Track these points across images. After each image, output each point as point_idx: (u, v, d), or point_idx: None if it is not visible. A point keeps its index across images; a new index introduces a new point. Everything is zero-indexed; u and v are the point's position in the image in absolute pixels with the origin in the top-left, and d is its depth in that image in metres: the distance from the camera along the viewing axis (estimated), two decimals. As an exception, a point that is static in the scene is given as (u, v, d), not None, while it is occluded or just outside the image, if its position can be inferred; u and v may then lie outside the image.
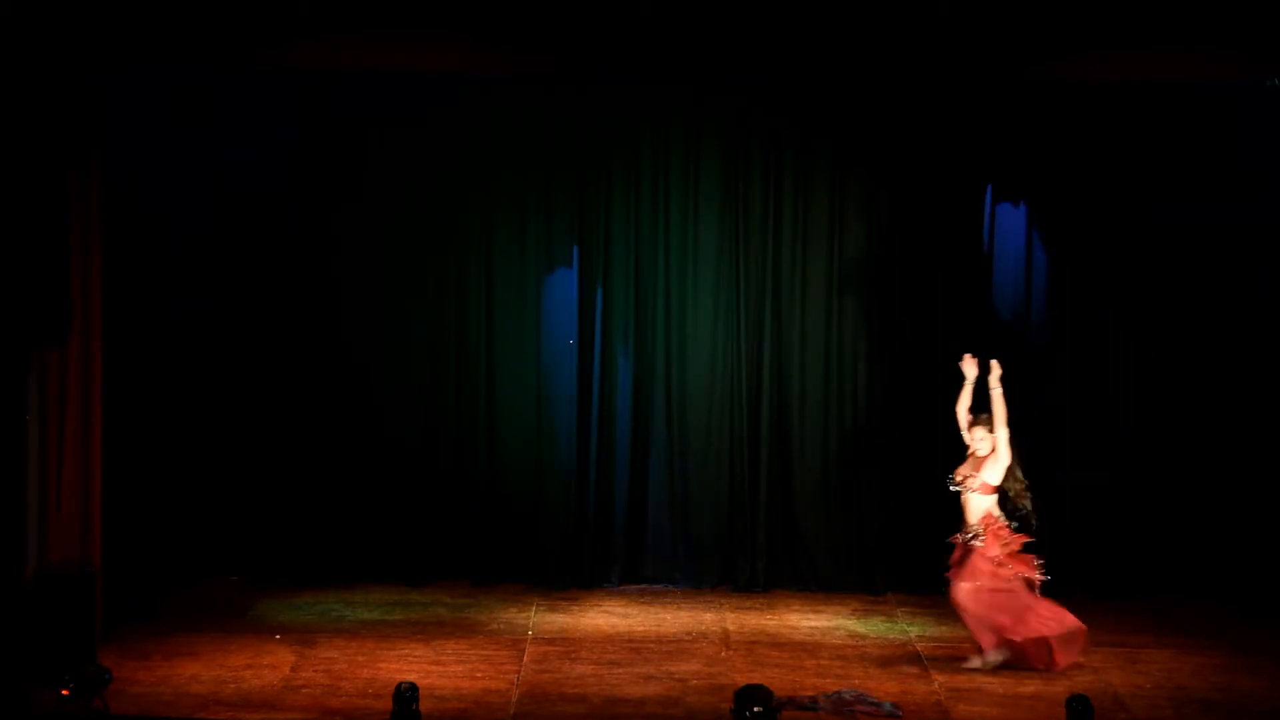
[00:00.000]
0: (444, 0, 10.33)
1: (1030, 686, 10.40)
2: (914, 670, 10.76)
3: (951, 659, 10.94)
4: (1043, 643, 10.57)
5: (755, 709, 7.59)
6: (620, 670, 10.68)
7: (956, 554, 10.74)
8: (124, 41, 10.22)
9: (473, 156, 12.48)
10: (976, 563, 10.58)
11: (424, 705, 8.45)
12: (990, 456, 10.64)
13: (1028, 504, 10.69)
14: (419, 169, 12.48)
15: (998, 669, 10.57)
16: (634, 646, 11.21)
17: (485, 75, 11.89)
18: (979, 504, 10.65)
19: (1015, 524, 10.67)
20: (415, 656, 10.83)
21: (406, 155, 12.45)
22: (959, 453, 12.56)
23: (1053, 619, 10.57)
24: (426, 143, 12.43)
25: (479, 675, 10.49)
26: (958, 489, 10.73)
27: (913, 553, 12.66)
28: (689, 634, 11.52)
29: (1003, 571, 10.56)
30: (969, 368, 10.79)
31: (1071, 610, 11.21)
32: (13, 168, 9.84)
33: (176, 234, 12.17)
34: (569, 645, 11.21)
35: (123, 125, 11.04)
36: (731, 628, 11.64)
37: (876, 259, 12.58)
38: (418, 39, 10.43)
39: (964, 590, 10.58)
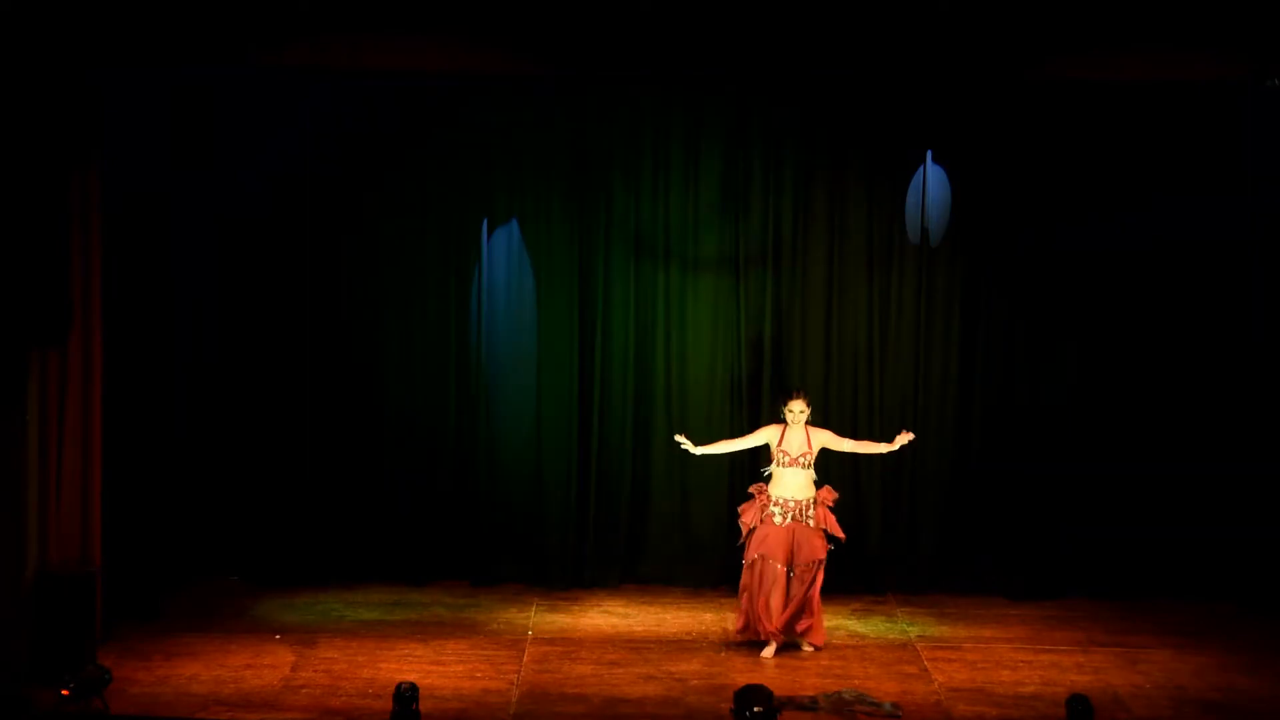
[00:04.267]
0: (444, 0, 10.33)
1: (1030, 687, 10.41)
2: (914, 670, 10.76)
3: (951, 659, 10.96)
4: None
5: (755, 709, 7.57)
6: (620, 670, 10.68)
7: (772, 532, 10.90)
8: (124, 42, 10.21)
9: (471, 157, 12.47)
10: (815, 539, 10.95)
11: (424, 705, 8.44)
12: (812, 427, 11.02)
13: None
14: (418, 170, 12.47)
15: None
16: (634, 646, 11.21)
17: (485, 75, 11.88)
18: (810, 477, 11.02)
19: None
20: (415, 656, 10.84)
21: (407, 156, 12.45)
22: (966, 452, 12.61)
23: None
24: (427, 144, 12.43)
25: (479, 675, 10.50)
26: (797, 465, 10.97)
27: (913, 553, 12.68)
28: (689, 634, 11.52)
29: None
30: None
31: (1072, 610, 11.37)
32: (14, 167, 9.83)
33: (177, 233, 12.17)
34: (569, 645, 11.21)
35: (124, 125, 11.06)
36: (732, 628, 11.64)
37: (877, 253, 12.57)
38: (418, 39, 10.42)
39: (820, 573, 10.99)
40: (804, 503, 10.96)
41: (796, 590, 10.94)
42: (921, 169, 12.46)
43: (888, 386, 12.61)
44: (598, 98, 12.42)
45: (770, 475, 11.08)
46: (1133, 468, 12.50)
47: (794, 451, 10.98)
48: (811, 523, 10.95)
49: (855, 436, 12.38)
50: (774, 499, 10.99)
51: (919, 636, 11.51)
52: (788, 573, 10.94)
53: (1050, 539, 12.48)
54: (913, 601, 12.33)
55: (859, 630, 11.65)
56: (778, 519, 10.95)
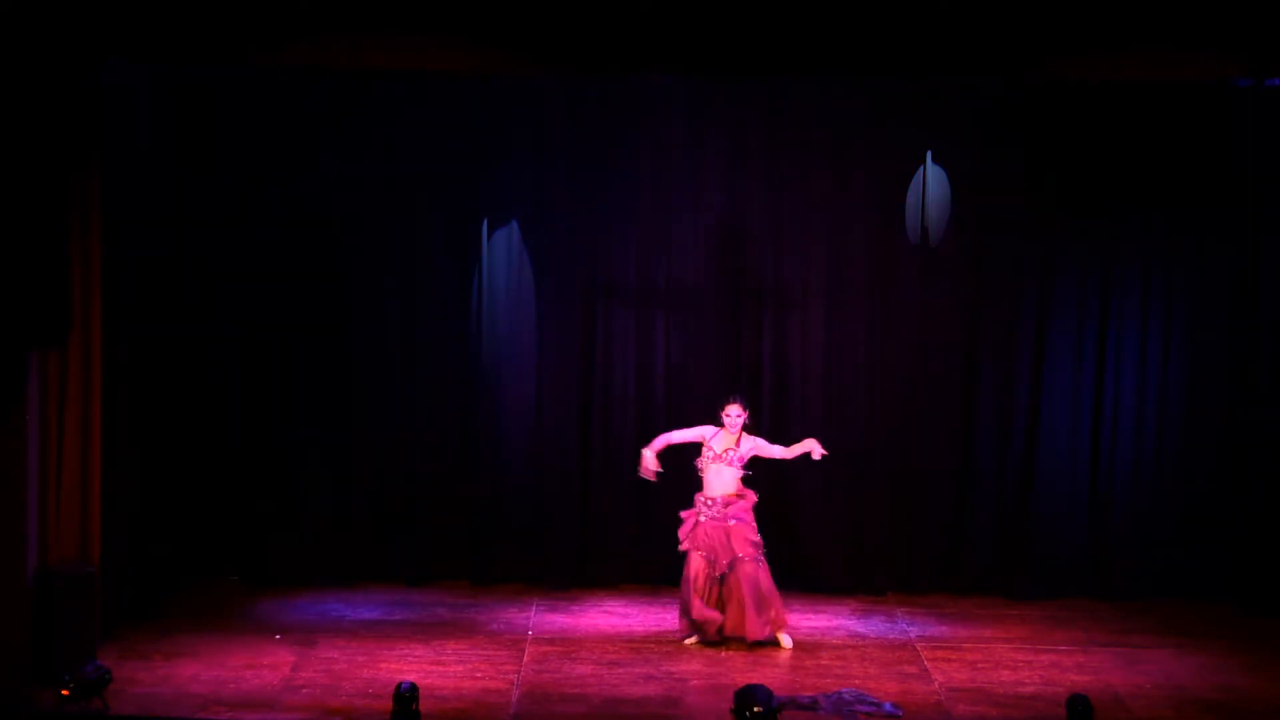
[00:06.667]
0: (444, 0, 10.33)
1: (1030, 687, 10.41)
2: (914, 670, 10.76)
3: (951, 659, 10.96)
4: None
5: (755, 709, 7.59)
6: (620, 670, 10.68)
7: (703, 528, 11.11)
8: (125, 42, 10.21)
9: (471, 157, 12.47)
10: (739, 538, 11.08)
11: (424, 705, 8.46)
12: (746, 434, 11.18)
13: None
14: (418, 170, 12.47)
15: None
16: (634, 646, 11.21)
17: (485, 75, 11.89)
18: (734, 476, 11.16)
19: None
20: (415, 656, 10.84)
21: (407, 155, 12.45)
22: (964, 453, 12.62)
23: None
24: (426, 143, 12.43)
25: (479, 675, 10.50)
26: (721, 462, 11.15)
27: (913, 553, 12.67)
28: (689, 634, 11.51)
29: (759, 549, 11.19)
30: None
31: (1072, 610, 11.36)
32: (13, 167, 9.83)
33: (176, 233, 12.17)
34: (569, 645, 11.22)
35: (125, 125, 11.06)
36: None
37: (879, 259, 12.57)
38: (418, 39, 10.42)
39: (761, 568, 11.10)
40: (726, 498, 11.13)
41: (740, 588, 11.02)
42: (921, 169, 12.46)
43: (888, 391, 12.59)
44: (598, 98, 12.42)
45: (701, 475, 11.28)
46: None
47: (718, 448, 11.15)
48: (733, 521, 11.09)
49: (854, 439, 12.45)
50: (704, 498, 11.18)
51: (919, 636, 11.51)
52: (713, 567, 11.10)
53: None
54: (913, 601, 12.34)
55: (859, 630, 11.65)
56: (703, 515, 11.15)
